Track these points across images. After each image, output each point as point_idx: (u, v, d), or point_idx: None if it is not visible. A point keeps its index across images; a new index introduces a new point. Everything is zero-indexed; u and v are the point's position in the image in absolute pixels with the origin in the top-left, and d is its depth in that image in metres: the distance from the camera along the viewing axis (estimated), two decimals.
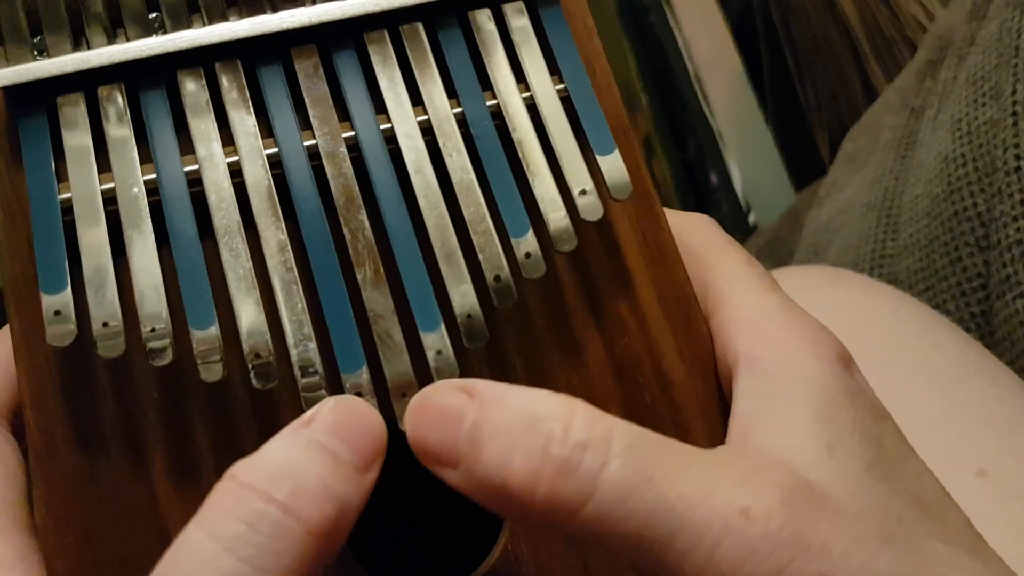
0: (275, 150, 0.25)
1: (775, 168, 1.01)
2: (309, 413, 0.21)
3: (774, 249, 0.75)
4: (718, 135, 1.02)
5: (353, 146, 0.25)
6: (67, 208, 0.24)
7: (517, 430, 0.21)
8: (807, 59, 0.95)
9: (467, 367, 0.24)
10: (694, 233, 0.28)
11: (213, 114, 0.25)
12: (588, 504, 0.20)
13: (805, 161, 0.98)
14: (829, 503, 0.21)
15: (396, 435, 0.24)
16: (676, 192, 1.02)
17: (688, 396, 0.26)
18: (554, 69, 0.27)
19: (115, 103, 0.25)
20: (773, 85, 1.02)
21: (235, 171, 0.24)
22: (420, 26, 0.26)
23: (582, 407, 0.21)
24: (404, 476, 0.29)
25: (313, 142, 0.25)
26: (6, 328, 0.25)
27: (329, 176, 0.25)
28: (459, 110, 0.26)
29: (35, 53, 0.25)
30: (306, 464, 0.20)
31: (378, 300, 0.24)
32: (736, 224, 0.99)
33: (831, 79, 0.92)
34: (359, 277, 0.24)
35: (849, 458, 0.22)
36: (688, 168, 1.02)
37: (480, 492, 0.21)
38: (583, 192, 0.25)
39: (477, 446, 0.21)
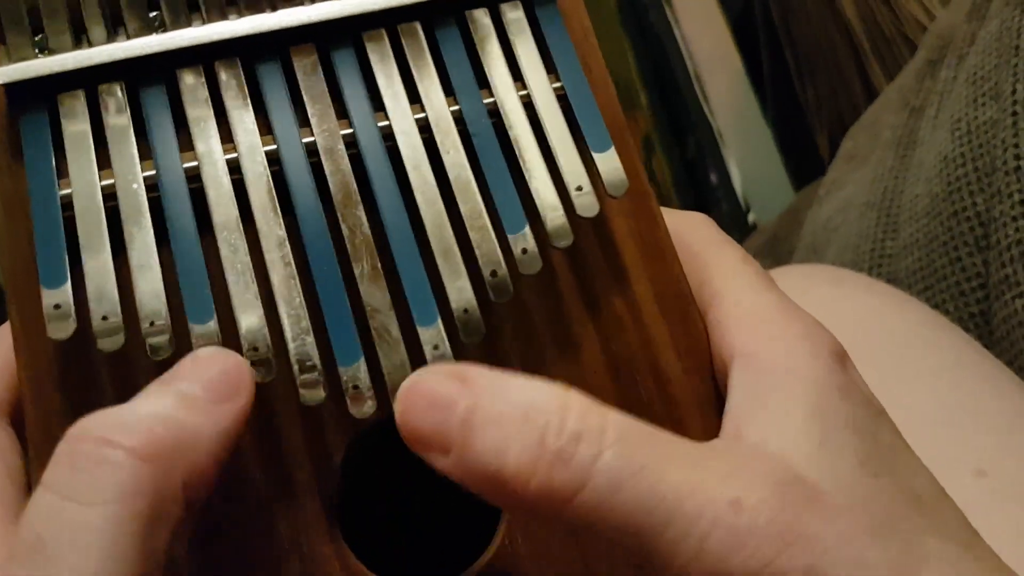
0: (274, 147, 0.25)
1: (775, 167, 1.01)
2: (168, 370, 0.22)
3: (773, 248, 0.75)
4: (718, 134, 1.02)
5: (351, 143, 0.25)
6: (67, 204, 0.24)
7: (512, 420, 0.21)
8: (807, 58, 0.95)
9: (464, 362, 0.24)
10: (691, 231, 0.28)
11: (212, 111, 0.25)
12: (581, 493, 0.21)
13: (805, 160, 0.98)
14: (820, 497, 0.21)
15: (393, 431, 0.24)
16: (676, 190, 1.02)
17: (684, 392, 0.26)
18: (551, 68, 0.27)
19: (115, 100, 0.25)
20: (773, 84, 1.02)
21: (234, 168, 0.25)
22: (418, 25, 0.27)
23: (576, 397, 0.21)
24: (400, 469, 0.29)
25: (312, 139, 0.25)
26: (6, 325, 0.25)
27: (327, 173, 0.25)
28: (456, 108, 0.26)
29: (36, 50, 0.25)
30: (142, 405, 0.21)
31: (375, 295, 0.24)
32: (735, 223, 0.99)
33: (831, 78, 0.92)
34: (356, 272, 0.24)
35: (841, 453, 0.22)
36: (688, 167, 1.02)
37: (472, 479, 0.21)
38: (579, 189, 0.25)
39: (470, 434, 0.21)
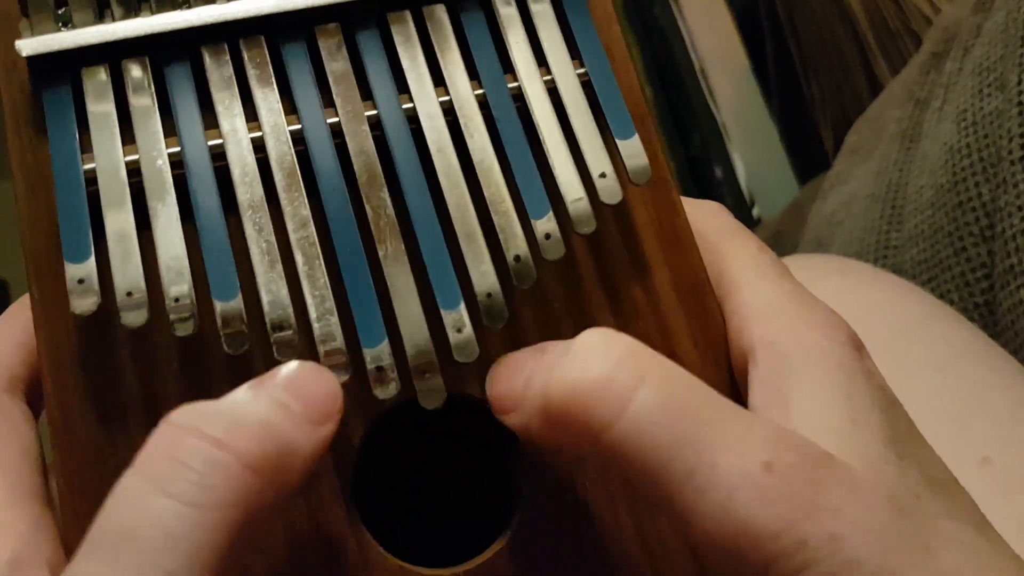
0: (298, 127, 0.25)
1: (779, 161, 1.01)
2: (264, 375, 0.22)
3: (778, 242, 0.75)
4: (722, 128, 1.02)
5: (375, 124, 0.25)
6: (90, 179, 0.24)
7: (561, 354, 0.22)
8: (812, 52, 0.95)
9: (486, 346, 0.24)
10: (706, 221, 0.28)
11: (237, 90, 0.25)
12: (616, 424, 0.21)
13: (809, 154, 0.98)
14: (849, 472, 0.21)
15: (413, 413, 0.24)
16: (680, 185, 1.02)
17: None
18: (574, 54, 0.27)
19: (139, 76, 0.25)
20: (778, 78, 1.02)
21: (258, 146, 0.25)
22: (443, 7, 0.27)
23: (626, 338, 0.22)
24: (419, 451, 0.29)
25: (336, 120, 0.25)
26: (24, 299, 0.25)
27: (351, 153, 0.25)
28: (480, 92, 0.26)
29: (59, 24, 0.25)
30: (248, 408, 0.21)
31: (399, 277, 0.24)
32: (740, 217, 0.98)
33: (836, 72, 0.92)
34: (380, 253, 0.24)
35: (871, 432, 0.23)
36: (692, 161, 1.02)
37: (529, 423, 0.22)
38: (603, 175, 0.25)
39: (530, 382, 0.22)
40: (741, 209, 0.99)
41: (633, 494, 0.25)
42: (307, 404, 0.21)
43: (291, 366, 0.22)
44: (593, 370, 0.21)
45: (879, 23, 0.86)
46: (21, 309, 0.25)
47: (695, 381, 0.22)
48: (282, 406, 0.21)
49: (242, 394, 0.21)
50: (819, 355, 0.24)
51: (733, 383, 0.26)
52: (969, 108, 0.52)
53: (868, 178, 0.63)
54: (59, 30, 0.25)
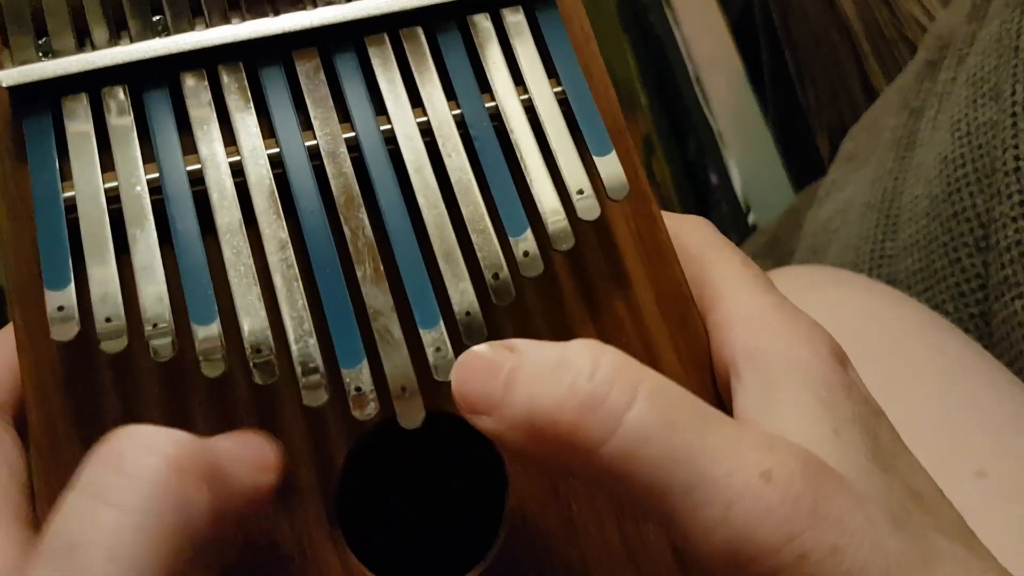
0: (276, 150, 0.25)
1: (775, 168, 1.01)
2: None
3: (773, 249, 0.75)
4: (718, 135, 1.02)
5: (353, 146, 0.25)
6: (71, 206, 0.24)
7: (547, 368, 0.21)
8: (807, 59, 0.95)
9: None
10: (690, 235, 0.28)
11: (216, 114, 0.25)
12: (611, 441, 0.20)
13: (805, 161, 0.99)
14: (843, 480, 0.21)
15: (395, 433, 0.24)
16: (676, 192, 1.02)
17: None
18: (551, 72, 0.27)
19: (118, 103, 0.25)
20: (773, 85, 1.02)
21: (237, 170, 0.25)
22: (420, 30, 0.27)
23: (613, 350, 0.22)
24: (402, 471, 0.29)
25: (314, 142, 0.25)
26: (9, 327, 0.25)
27: (330, 175, 0.25)
28: (458, 112, 0.26)
29: (40, 53, 0.25)
30: (179, 431, 0.21)
31: (378, 297, 0.24)
32: (735, 224, 0.99)
33: (831, 79, 0.92)
34: (359, 275, 0.24)
35: (854, 444, 0.22)
36: (688, 168, 1.02)
37: (508, 433, 0.21)
38: (580, 193, 0.26)
39: (510, 389, 0.21)
40: (737, 215, 0.99)
41: (621, 508, 0.25)
42: (245, 446, 0.22)
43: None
44: (583, 387, 0.21)
45: (874, 30, 0.86)
46: (7, 335, 0.26)
47: (686, 394, 0.22)
48: (220, 439, 0.22)
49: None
50: (801, 367, 0.24)
51: (717, 395, 0.26)
52: (963, 118, 0.52)
53: (864, 186, 0.63)
54: (40, 60, 0.25)
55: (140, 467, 0.20)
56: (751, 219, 1.00)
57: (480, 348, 0.22)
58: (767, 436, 0.21)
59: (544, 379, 0.21)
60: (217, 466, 0.21)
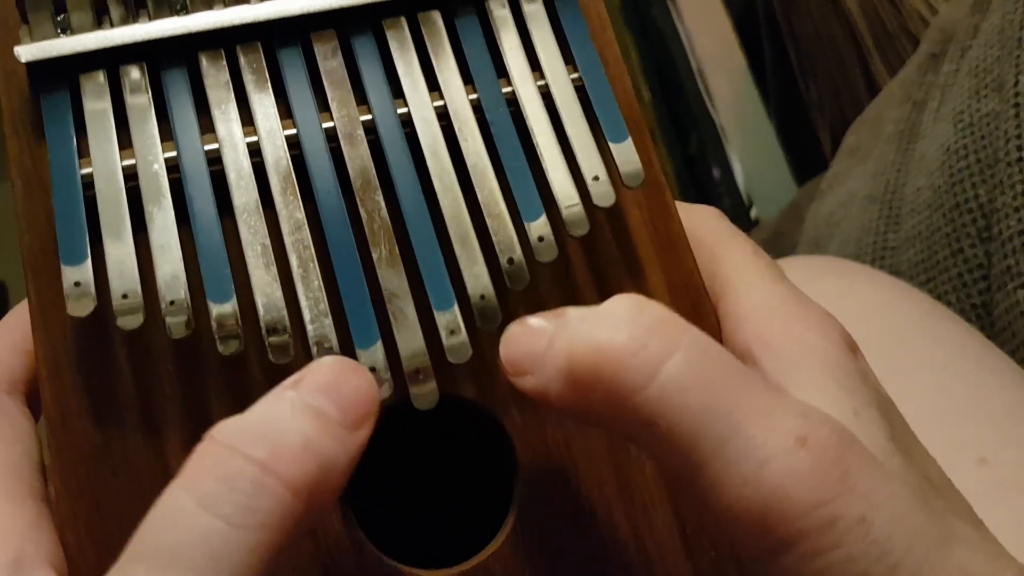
0: (294, 131, 0.25)
1: (777, 162, 1.01)
2: (299, 373, 0.21)
3: (776, 243, 0.75)
4: (720, 129, 1.02)
5: (370, 129, 0.26)
6: (87, 184, 0.24)
7: (588, 319, 0.21)
8: (809, 53, 0.95)
9: (479, 348, 0.25)
10: (702, 224, 0.28)
11: (233, 95, 0.25)
12: (648, 388, 0.20)
13: (807, 155, 0.99)
14: (872, 456, 0.21)
15: (408, 414, 0.24)
16: (678, 186, 1.03)
17: None
18: (568, 58, 0.27)
19: (136, 81, 0.25)
20: (775, 79, 1.02)
21: (254, 151, 0.25)
22: (437, 13, 0.27)
23: (656, 304, 0.22)
24: (415, 453, 0.30)
25: (331, 124, 0.25)
26: (21, 306, 0.25)
27: (346, 158, 0.25)
28: (475, 96, 0.26)
29: (58, 30, 0.25)
30: (289, 423, 0.20)
31: (393, 279, 0.24)
32: (738, 218, 0.99)
33: (833, 73, 0.92)
34: (374, 256, 0.24)
35: (875, 425, 0.23)
36: (690, 162, 1.03)
37: (550, 385, 0.21)
38: (596, 179, 0.26)
39: (553, 342, 0.21)
40: (739, 210, 0.99)
41: (630, 494, 0.25)
42: (343, 408, 0.21)
43: (326, 365, 0.21)
44: (624, 332, 0.21)
45: (876, 24, 0.86)
46: (22, 312, 0.26)
47: (727, 353, 0.21)
48: (319, 415, 0.21)
49: (280, 406, 0.21)
50: (816, 354, 0.24)
51: None
52: (966, 109, 0.52)
53: (866, 179, 0.63)
54: (58, 36, 0.25)
55: (254, 483, 0.19)
56: (753, 213, 1.00)
57: (529, 317, 0.22)
58: (803, 404, 0.21)
59: (586, 325, 0.21)
60: (325, 472, 0.20)
